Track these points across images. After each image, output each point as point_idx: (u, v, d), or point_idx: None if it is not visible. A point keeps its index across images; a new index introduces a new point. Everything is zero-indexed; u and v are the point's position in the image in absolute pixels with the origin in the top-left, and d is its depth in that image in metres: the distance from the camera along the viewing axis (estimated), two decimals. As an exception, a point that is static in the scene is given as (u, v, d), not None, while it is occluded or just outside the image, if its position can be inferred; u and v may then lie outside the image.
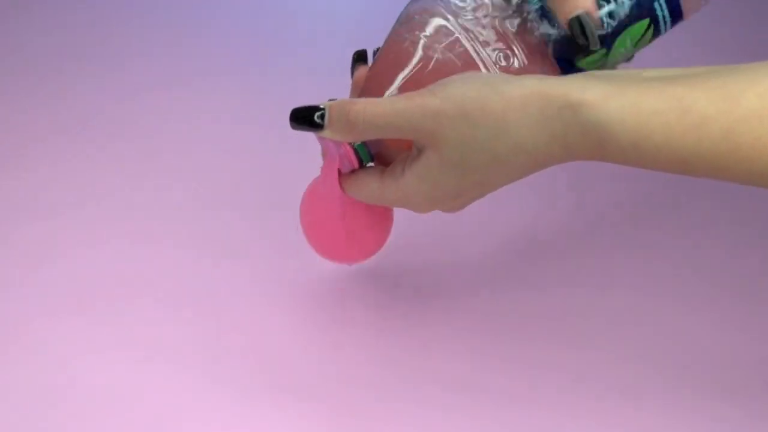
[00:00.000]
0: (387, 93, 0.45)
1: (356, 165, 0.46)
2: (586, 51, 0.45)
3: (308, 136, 0.76)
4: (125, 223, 0.68)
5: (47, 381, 0.54)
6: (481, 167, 0.41)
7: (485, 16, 0.45)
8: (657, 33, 0.46)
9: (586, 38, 0.43)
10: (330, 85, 0.86)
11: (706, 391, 0.53)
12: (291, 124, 0.44)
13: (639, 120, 0.37)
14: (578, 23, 0.43)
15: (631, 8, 0.45)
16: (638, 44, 0.46)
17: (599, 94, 0.38)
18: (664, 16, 0.45)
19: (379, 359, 0.55)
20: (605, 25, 0.44)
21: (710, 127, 0.36)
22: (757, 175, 0.36)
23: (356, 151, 0.45)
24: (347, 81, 0.83)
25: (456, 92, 0.40)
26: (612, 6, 0.44)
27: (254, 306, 0.60)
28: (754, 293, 0.60)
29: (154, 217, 0.69)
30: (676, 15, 0.45)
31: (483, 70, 0.44)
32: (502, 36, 0.45)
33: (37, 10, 1.04)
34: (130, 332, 0.58)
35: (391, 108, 0.41)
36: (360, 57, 0.49)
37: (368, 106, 0.41)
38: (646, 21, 0.45)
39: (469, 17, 0.45)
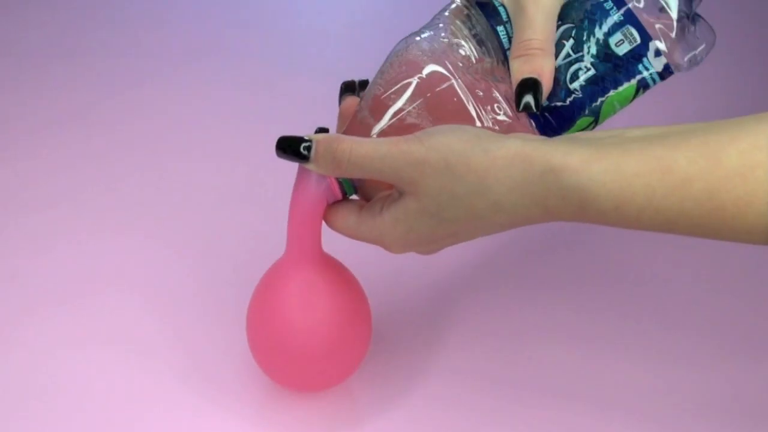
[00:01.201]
0: (374, 131, 0.45)
1: (339, 196, 0.46)
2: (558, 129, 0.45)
3: (301, 133, 0.76)
4: (110, 217, 0.68)
5: (28, 375, 0.54)
6: (457, 220, 0.41)
7: (479, 72, 0.45)
8: (646, 88, 0.45)
9: (534, 102, 0.43)
10: (325, 86, 0.86)
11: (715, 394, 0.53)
12: (277, 152, 0.44)
13: (621, 183, 0.37)
14: (530, 87, 0.43)
15: (610, 74, 0.44)
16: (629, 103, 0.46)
17: (581, 158, 0.37)
18: (651, 75, 0.45)
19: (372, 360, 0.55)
20: (568, 92, 0.44)
21: (693, 187, 0.36)
22: (742, 233, 0.36)
23: (340, 183, 0.45)
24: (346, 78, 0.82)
25: (442, 143, 0.40)
26: (580, 74, 0.44)
27: (238, 302, 0.60)
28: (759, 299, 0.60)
29: (141, 213, 0.69)
30: (663, 71, 0.45)
31: (475, 120, 0.44)
32: (492, 93, 0.45)
33: (31, 6, 1.03)
34: (113, 326, 0.58)
35: (376, 152, 0.41)
36: (348, 87, 0.49)
37: (354, 146, 0.41)
38: (634, 84, 0.45)
39: (467, 69, 0.44)
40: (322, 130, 0.47)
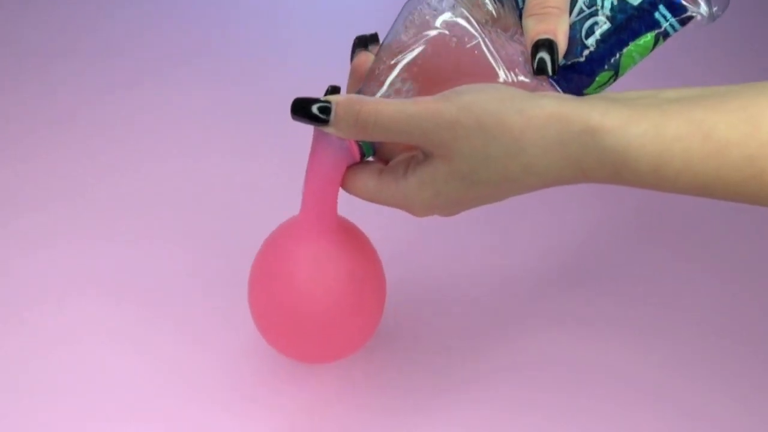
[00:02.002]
0: (389, 79, 0.43)
1: (358, 158, 0.44)
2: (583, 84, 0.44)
3: (293, 131, 0.76)
4: (110, 216, 0.68)
5: (27, 374, 0.54)
6: (488, 182, 0.40)
7: (500, 30, 0.43)
8: (666, 37, 0.44)
9: (551, 65, 0.42)
10: (324, 83, 0.86)
11: (721, 395, 0.53)
12: (292, 115, 0.41)
13: (660, 146, 0.36)
14: (546, 49, 0.42)
15: (626, 26, 0.43)
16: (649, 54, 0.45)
17: (620, 120, 0.37)
18: (669, 23, 0.43)
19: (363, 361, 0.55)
20: (586, 48, 0.43)
21: (732, 153, 0.35)
22: None
23: (359, 145, 0.43)
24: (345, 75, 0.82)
25: (473, 102, 0.38)
26: (595, 29, 0.43)
27: (236, 302, 0.59)
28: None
29: (141, 212, 0.68)
30: (682, 16, 0.43)
31: (501, 79, 0.43)
32: (515, 53, 0.43)
33: (31, 6, 1.03)
34: (112, 325, 0.58)
35: (402, 113, 0.39)
36: (361, 42, 0.47)
37: (380, 107, 0.40)
38: (652, 34, 0.43)
39: (489, 29, 0.43)
40: (334, 88, 0.45)
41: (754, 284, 0.61)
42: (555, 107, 0.38)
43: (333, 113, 0.41)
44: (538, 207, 0.68)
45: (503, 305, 0.59)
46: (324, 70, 0.88)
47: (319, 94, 0.82)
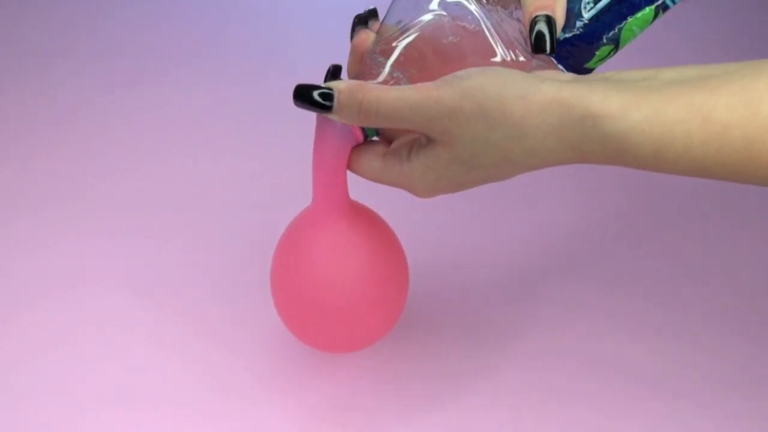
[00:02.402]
0: (389, 62, 0.43)
1: (361, 140, 0.44)
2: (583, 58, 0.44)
3: (293, 131, 0.76)
4: (110, 216, 0.68)
5: (24, 373, 0.54)
6: (489, 165, 0.40)
7: (500, 12, 0.44)
8: (666, 9, 0.44)
9: (550, 41, 0.42)
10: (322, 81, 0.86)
11: (717, 389, 0.53)
12: (294, 101, 0.42)
13: (661, 130, 0.37)
14: (544, 24, 0.42)
15: (626, 0, 0.43)
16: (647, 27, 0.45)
17: (620, 105, 0.37)
18: None
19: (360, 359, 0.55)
20: (582, 20, 0.43)
21: (731, 135, 0.36)
22: None
23: (362, 128, 0.43)
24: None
25: (475, 87, 0.39)
26: (595, 3, 0.43)
27: (237, 301, 0.59)
28: (763, 297, 0.60)
29: (140, 211, 0.68)
30: None
31: (501, 60, 0.43)
32: (515, 35, 0.43)
33: (31, 5, 1.03)
34: (112, 325, 0.58)
35: (405, 101, 0.40)
36: (361, 20, 0.46)
37: (382, 95, 0.40)
38: (652, 7, 0.43)
39: (489, 8, 0.43)
40: (336, 68, 0.45)
41: (751, 275, 0.61)
42: (555, 92, 0.38)
43: (336, 101, 0.41)
44: (551, 199, 0.68)
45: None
46: (324, 69, 0.88)
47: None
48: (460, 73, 0.40)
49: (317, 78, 0.86)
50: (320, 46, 0.93)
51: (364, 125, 0.41)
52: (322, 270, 0.45)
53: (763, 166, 0.36)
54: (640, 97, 0.37)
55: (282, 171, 0.72)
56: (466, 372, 0.53)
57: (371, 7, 0.48)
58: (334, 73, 0.45)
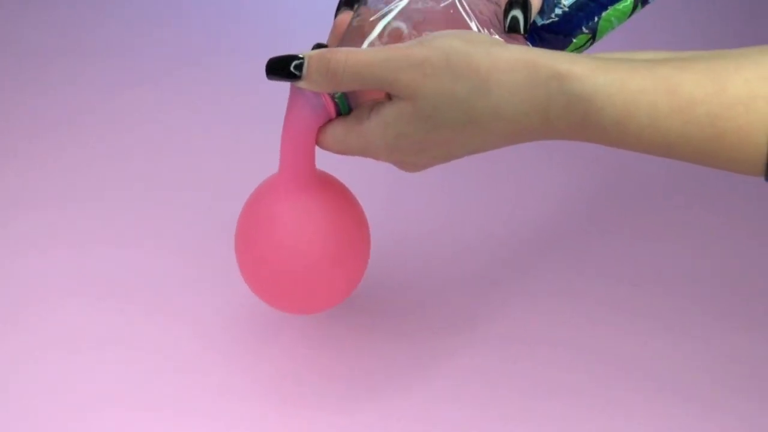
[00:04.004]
0: (367, 41, 0.43)
1: (333, 115, 0.44)
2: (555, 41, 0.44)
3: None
4: (108, 216, 0.68)
5: (23, 374, 0.54)
6: (453, 124, 0.40)
7: None
8: (645, 4, 0.44)
9: (524, 21, 0.42)
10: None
11: (706, 383, 0.53)
12: (267, 75, 0.42)
13: (625, 97, 0.36)
14: (519, 6, 0.42)
15: None
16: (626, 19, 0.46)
17: (588, 68, 0.37)
18: None
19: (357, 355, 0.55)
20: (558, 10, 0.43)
21: (696, 111, 0.35)
22: (738, 164, 0.36)
23: (335, 103, 0.43)
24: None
25: (444, 43, 0.39)
26: None
27: (236, 301, 0.59)
28: (752, 286, 0.60)
29: (139, 211, 0.68)
30: None
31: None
32: (489, 16, 0.44)
33: (31, 5, 1.03)
34: (111, 325, 0.58)
35: (374, 57, 0.39)
36: (347, 2, 0.47)
37: (350, 54, 0.40)
38: (631, 0, 0.44)
39: None
40: (320, 45, 0.45)
41: (747, 259, 0.61)
42: (523, 53, 0.38)
43: (305, 66, 0.41)
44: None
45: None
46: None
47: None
48: (432, 33, 0.40)
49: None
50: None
51: (333, 89, 0.41)
52: (282, 234, 0.46)
53: (727, 146, 0.35)
54: (609, 64, 0.37)
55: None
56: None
57: None
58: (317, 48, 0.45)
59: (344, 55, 0.40)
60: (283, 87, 0.85)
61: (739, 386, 0.53)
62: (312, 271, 0.47)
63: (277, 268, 0.47)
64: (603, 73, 0.37)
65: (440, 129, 0.40)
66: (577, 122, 0.38)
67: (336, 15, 0.47)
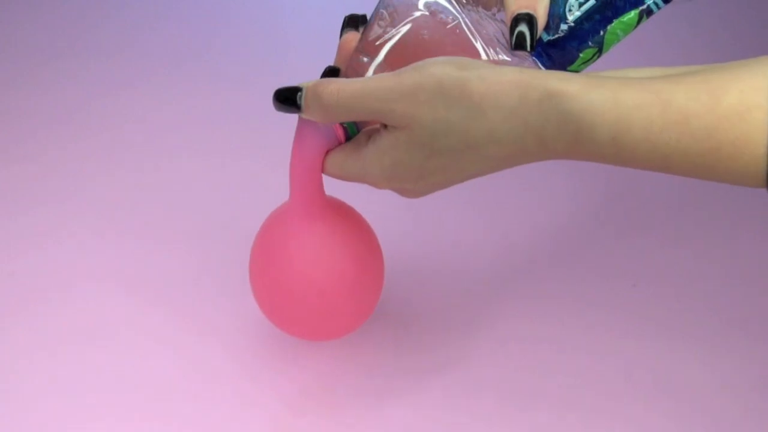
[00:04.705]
0: (373, 65, 0.43)
1: (343, 141, 0.44)
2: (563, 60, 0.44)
3: (292, 130, 0.75)
4: (107, 215, 0.68)
5: (22, 372, 0.54)
6: (449, 151, 0.40)
7: (480, 12, 0.44)
8: (650, 14, 0.44)
9: (530, 38, 0.42)
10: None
11: (707, 386, 0.53)
12: (274, 104, 0.42)
13: (619, 113, 0.36)
14: (525, 23, 0.42)
15: (610, 2, 0.43)
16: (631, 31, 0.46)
17: (580, 85, 0.37)
18: (654, 2, 0.43)
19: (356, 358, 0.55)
20: (565, 22, 0.43)
21: (691, 124, 0.35)
22: (736, 175, 0.35)
23: (345, 129, 0.44)
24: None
25: (437, 69, 0.39)
26: (580, 5, 0.43)
27: (235, 300, 0.59)
28: (753, 293, 0.60)
29: (138, 211, 0.68)
30: None
31: (482, 56, 0.43)
32: (495, 35, 0.44)
33: (30, 6, 1.03)
34: (111, 323, 0.58)
35: (366, 88, 0.39)
36: (351, 21, 0.47)
37: (342, 86, 0.40)
38: (636, 11, 0.43)
39: (470, 9, 0.44)
40: (331, 70, 0.45)
41: (748, 266, 0.61)
42: (516, 75, 0.38)
43: (302, 98, 0.41)
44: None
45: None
46: (323, 69, 0.88)
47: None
48: (425, 60, 0.40)
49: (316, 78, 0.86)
50: (321, 47, 0.93)
51: (330, 119, 0.41)
52: (297, 264, 0.46)
53: (724, 158, 0.35)
54: (601, 81, 0.37)
55: (282, 171, 0.71)
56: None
57: (365, 13, 0.48)
58: (329, 74, 0.45)
59: (336, 87, 0.40)
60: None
61: (740, 386, 0.53)
62: (326, 302, 0.47)
63: (293, 299, 0.47)
64: (595, 89, 0.36)
65: (437, 156, 0.40)
66: (571, 140, 0.37)
67: (341, 35, 0.47)
